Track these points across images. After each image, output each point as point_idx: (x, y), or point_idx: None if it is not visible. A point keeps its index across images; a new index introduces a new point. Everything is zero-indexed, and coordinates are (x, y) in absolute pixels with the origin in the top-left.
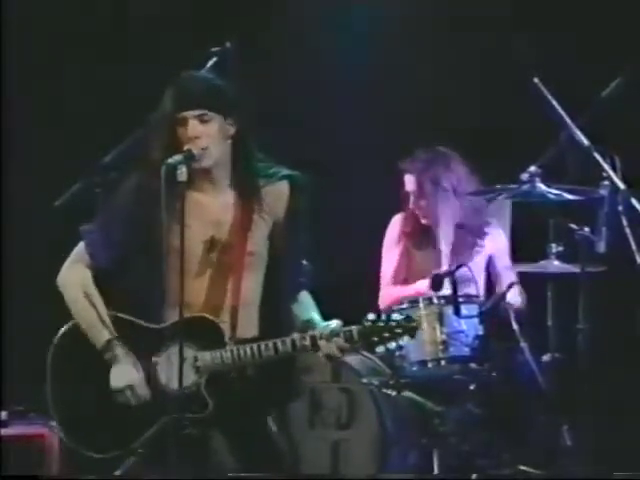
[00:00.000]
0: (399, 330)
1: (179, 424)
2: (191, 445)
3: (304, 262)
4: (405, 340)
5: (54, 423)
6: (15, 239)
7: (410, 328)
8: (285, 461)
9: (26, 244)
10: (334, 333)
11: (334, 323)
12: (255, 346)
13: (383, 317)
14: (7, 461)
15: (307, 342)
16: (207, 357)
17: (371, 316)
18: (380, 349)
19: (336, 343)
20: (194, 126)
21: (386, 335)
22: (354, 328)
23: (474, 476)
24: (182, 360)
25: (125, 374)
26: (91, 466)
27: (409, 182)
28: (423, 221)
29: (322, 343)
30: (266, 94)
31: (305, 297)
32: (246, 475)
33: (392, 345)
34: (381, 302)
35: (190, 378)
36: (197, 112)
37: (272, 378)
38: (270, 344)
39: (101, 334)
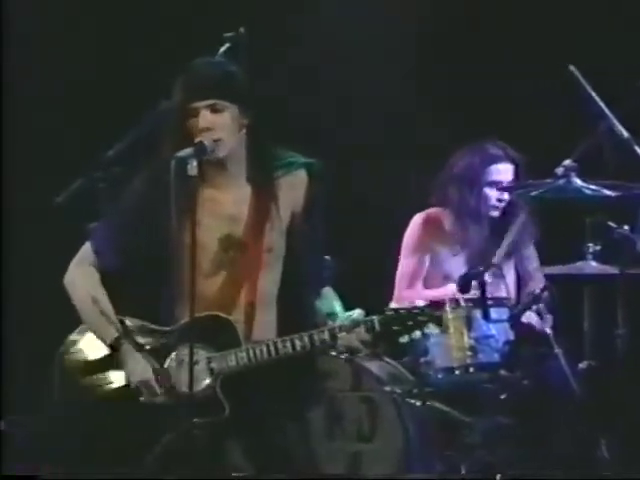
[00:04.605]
0: (423, 318)
1: (194, 430)
2: (207, 452)
3: (326, 256)
4: (431, 329)
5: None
6: (15, 239)
7: (436, 316)
8: (302, 466)
9: (26, 244)
10: (355, 324)
11: (355, 313)
12: (271, 343)
13: (406, 305)
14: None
15: (326, 336)
16: (221, 358)
17: (393, 305)
18: (404, 339)
19: (357, 334)
20: (205, 117)
21: (409, 324)
22: (375, 317)
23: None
24: (192, 362)
25: (138, 369)
26: None
27: (505, 171)
28: (494, 213)
29: (342, 335)
30: (280, 82)
31: (327, 291)
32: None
33: (417, 334)
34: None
35: (204, 381)
36: (208, 102)
37: (292, 382)
38: (287, 340)
39: (109, 332)
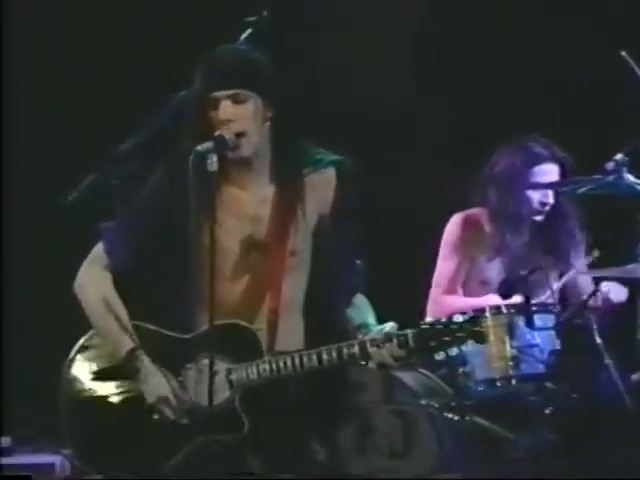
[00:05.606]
0: (461, 334)
1: (211, 446)
2: (225, 469)
3: (357, 261)
4: (469, 345)
5: (66, 450)
6: (18, 241)
7: (475, 332)
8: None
9: (31, 246)
10: (387, 338)
11: (388, 327)
12: (296, 356)
13: (443, 319)
14: None
15: (355, 350)
16: (242, 370)
17: (429, 318)
18: (440, 356)
19: (389, 349)
20: (226, 108)
21: (446, 339)
22: (409, 332)
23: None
24: (212, 373)
25: (156, 386)
26: None
27: (550, 172)
28: (537, 217)
29: (373, 350)
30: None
31: (360, 299)
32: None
33: (453, 351)
34: (435, 312)
35: (223, 394)
36: (230, 91)
37: (317, 394)
38: (313, 354)
39: (123, 343)
